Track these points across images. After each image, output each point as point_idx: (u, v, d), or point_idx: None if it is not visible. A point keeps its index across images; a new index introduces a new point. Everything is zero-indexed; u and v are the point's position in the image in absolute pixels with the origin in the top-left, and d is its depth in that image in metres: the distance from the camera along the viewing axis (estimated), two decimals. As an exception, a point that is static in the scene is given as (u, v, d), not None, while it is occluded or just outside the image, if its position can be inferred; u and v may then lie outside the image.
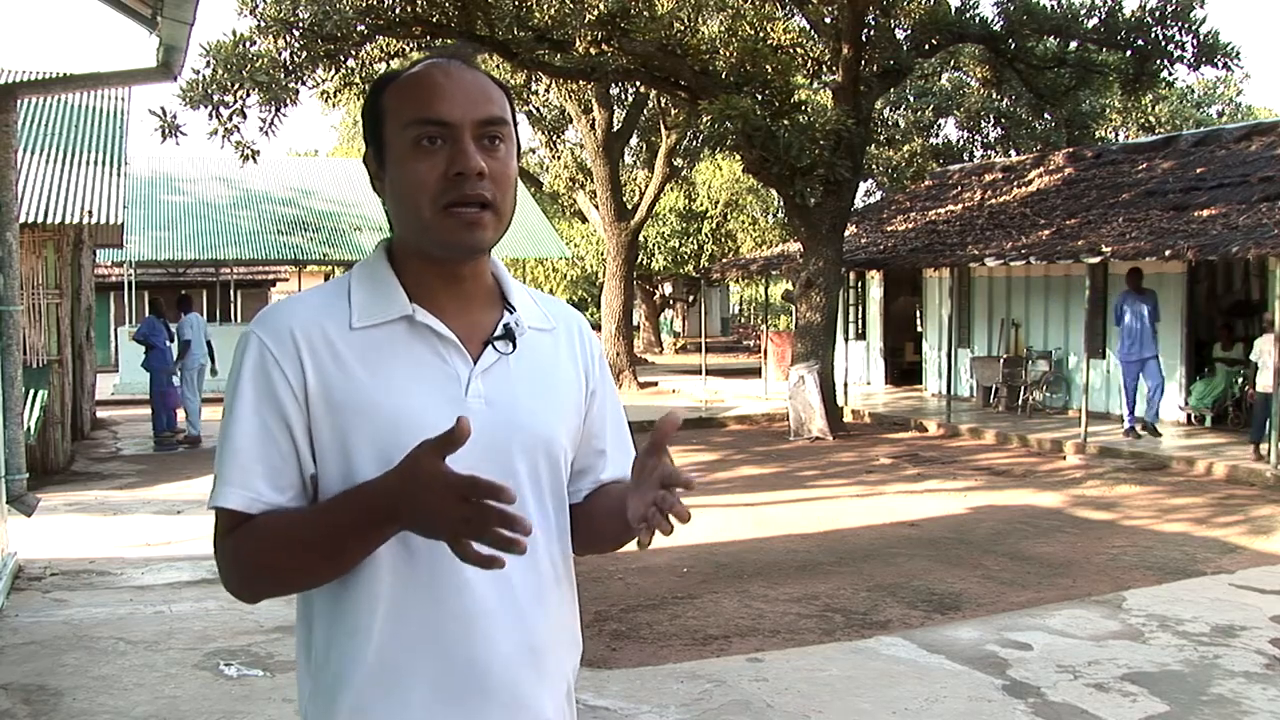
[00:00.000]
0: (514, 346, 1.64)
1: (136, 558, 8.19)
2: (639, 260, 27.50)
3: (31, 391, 10.66)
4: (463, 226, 1.56)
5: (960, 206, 20.41)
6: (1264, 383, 11.75)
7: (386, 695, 1.54)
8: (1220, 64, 16.34)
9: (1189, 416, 14.99)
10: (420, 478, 1.37)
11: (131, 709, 5.05)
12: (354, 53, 16.00)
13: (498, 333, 1.64)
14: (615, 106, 23.50)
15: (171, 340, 15.22)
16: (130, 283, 23.32)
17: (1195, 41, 15.97)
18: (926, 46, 16.82)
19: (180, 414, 15.31)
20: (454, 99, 1.56)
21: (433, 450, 1.37)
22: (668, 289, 39.79)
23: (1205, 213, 14.30)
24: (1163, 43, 16.09)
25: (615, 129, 23.38)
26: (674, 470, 1.51)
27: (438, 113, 1.55)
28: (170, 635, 6.16)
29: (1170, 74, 17.09)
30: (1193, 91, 36.10)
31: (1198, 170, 16.68)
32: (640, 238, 25.52)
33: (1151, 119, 32.11)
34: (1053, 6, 16.38)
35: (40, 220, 11.92)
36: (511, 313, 1.67)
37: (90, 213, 12.24)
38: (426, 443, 1.38)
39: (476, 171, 1.54)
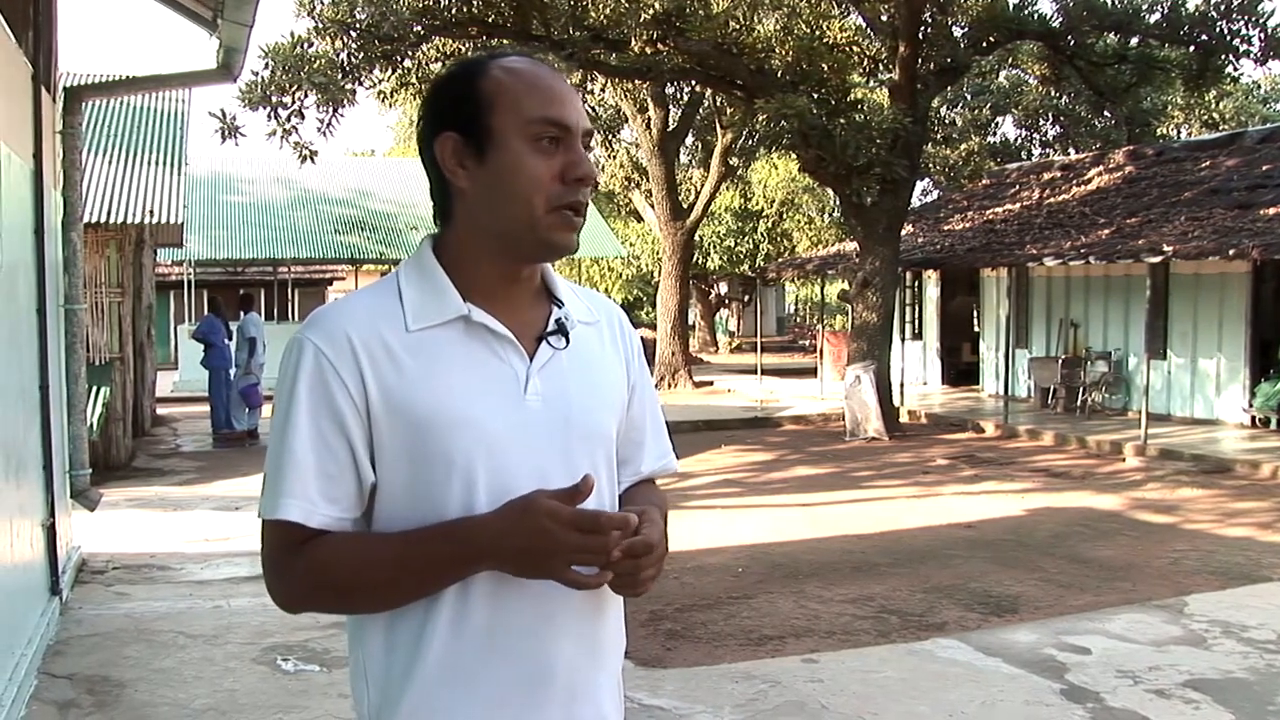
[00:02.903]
0: (567, 341, 1.63)
1: (195, 553, 8.30)
2: (694, 259, 27.43)
3: (94, 388, 10.83)
4: (566, 228, 1.59)
5: (1018, 205, 20.19)
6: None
7: (450, 697, 1.53)
8: (1288, 58, 16.02)
9: (1253, 419, 14.72)
10: (535, 518, 1.44)
11: (191, 701, 5.11)
12: (410, 53, 16.11)
13: (550, 328, 1.63)
14: (671, 105, 23.48)
15: (230, 339, 15.37)
16: (190, 281, 23.71)
17: (1262, 35, 15.62)
18: (984, 44, 16.63)
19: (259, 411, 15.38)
20: (571, 103, 1.59)
21: (550, 495, 1.45)
22: (723, 288, 39.68)
23: (1271, 211, 14.02)
24: (1228, 37, 15.76)
25: (671, 128, 23.36)
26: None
27: (561, 115, 1.57)
28: (228, 630, 6.23)
29: (1236, 69, 16.77)
30: (1259, 87, 35.44)
31: (1264, 167, 16.37)
32: (696, 237, 25.49)
33: (1215, 115, 31.57)
34: (1113, 2, 16.10)
35: (103, 220, 12.16)
36: (560, 307, 1.66)
37: (152, 212, 12.46)
38: (543, 492, 1.46)
39: (593, 180, 1.59)
